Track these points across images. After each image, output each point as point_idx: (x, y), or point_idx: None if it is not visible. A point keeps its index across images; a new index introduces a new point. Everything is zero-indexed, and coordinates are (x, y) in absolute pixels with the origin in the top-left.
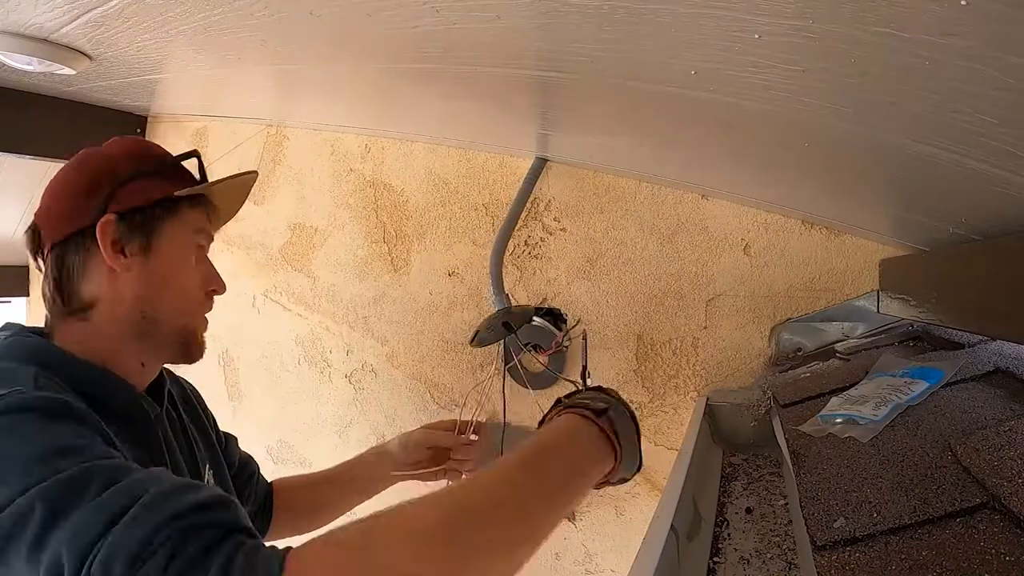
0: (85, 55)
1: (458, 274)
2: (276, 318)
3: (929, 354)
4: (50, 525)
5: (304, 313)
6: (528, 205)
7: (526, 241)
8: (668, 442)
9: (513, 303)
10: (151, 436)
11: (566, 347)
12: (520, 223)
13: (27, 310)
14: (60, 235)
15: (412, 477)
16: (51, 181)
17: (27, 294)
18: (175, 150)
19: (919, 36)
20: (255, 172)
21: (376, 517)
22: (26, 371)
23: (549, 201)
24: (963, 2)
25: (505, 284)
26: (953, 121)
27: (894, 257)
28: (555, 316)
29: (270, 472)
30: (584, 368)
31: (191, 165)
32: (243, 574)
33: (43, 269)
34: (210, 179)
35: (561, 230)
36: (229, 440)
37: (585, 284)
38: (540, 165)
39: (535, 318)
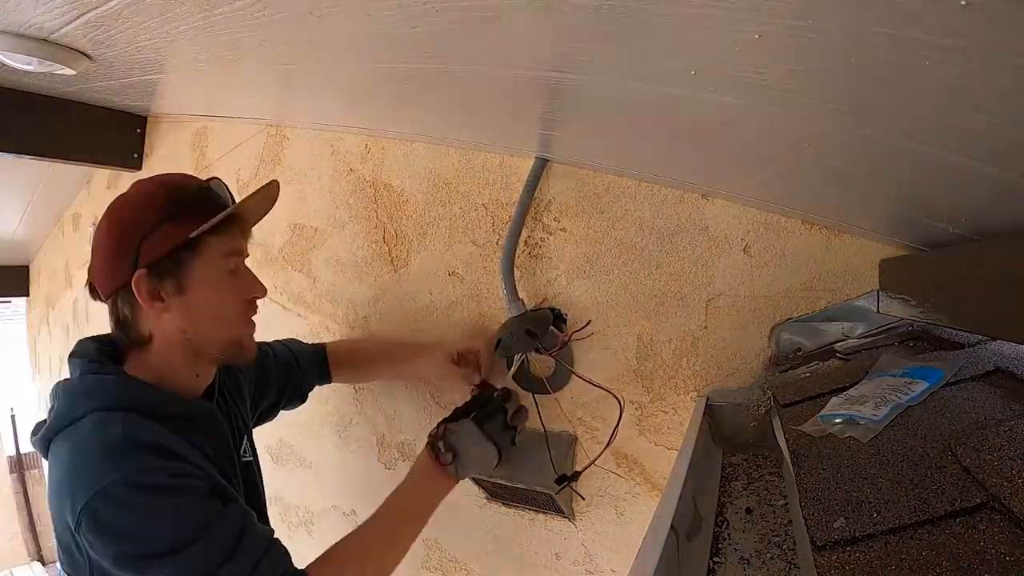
0: (85, 55)
1: (458, 274)
2: (276, 318)
3: (929, 354)
4: None
5: (304, 313)
6: (529, 206)
7: (526, 241)
8: (668, 442)
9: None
10: (211, 425)
11: (568, 344)
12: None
13: (27, 310)
14: (109, 291)
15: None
16: (93, 241)
17: (27, 294)
18: (175, 150)
19: (919, 36)
20: (275, 181)
21: (339, 553)
22: (113, 420)
23: (549, 201)
24: (963, 2)
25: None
26: (953, 121)
27: (894, 257)
28: (557, 316)
29: (269, 470)
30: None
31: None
32: None
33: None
34: (237, 198)
35: (561, 230)
36: (267, 383)
37: (585, 284)
38: (541, 165)
39: (551, 327)
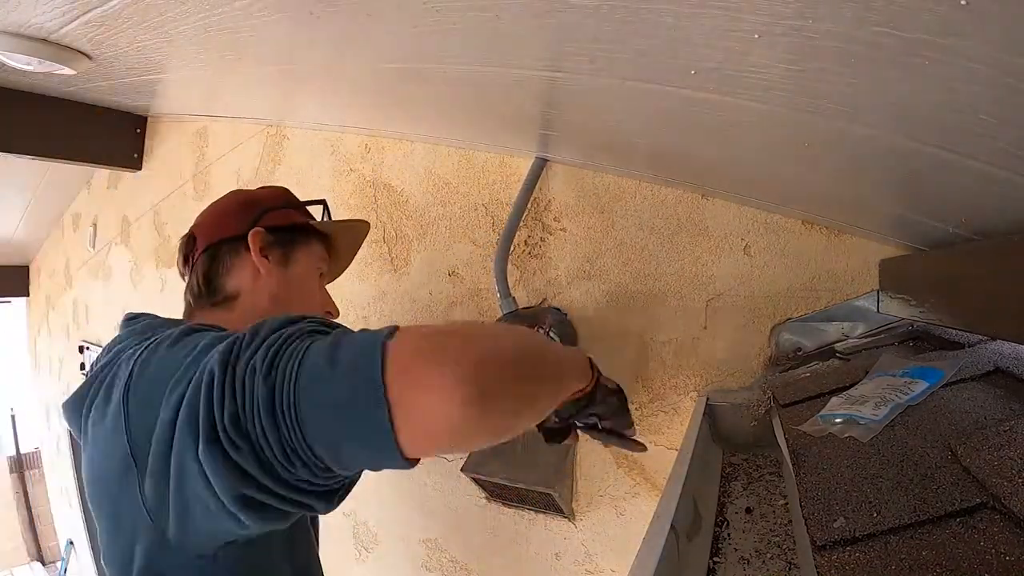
0: (85, 55)
1: (458, 274)
2: None
3: (929, 354)
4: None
5: None
6: (528, 205)
7: (526, 241)
8: (668, 442)
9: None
10: None
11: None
12: (520, 223)
13: (27, 310)
14: (214, 239)
15: None
16: (208, 207)
17: (27, 294)
18: (175, 150)
19: (919, 36)
20: (367, 223)
21: (461, 329)
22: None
23: (549, 201)
24: (963, 2)
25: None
26: (953, 121)
27: (894, 257)
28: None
29: None
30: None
31: (317, 211)
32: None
33: (190, 269)
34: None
35: (561, 230)
36: None
37: (585, 284)
38: (540, 165)
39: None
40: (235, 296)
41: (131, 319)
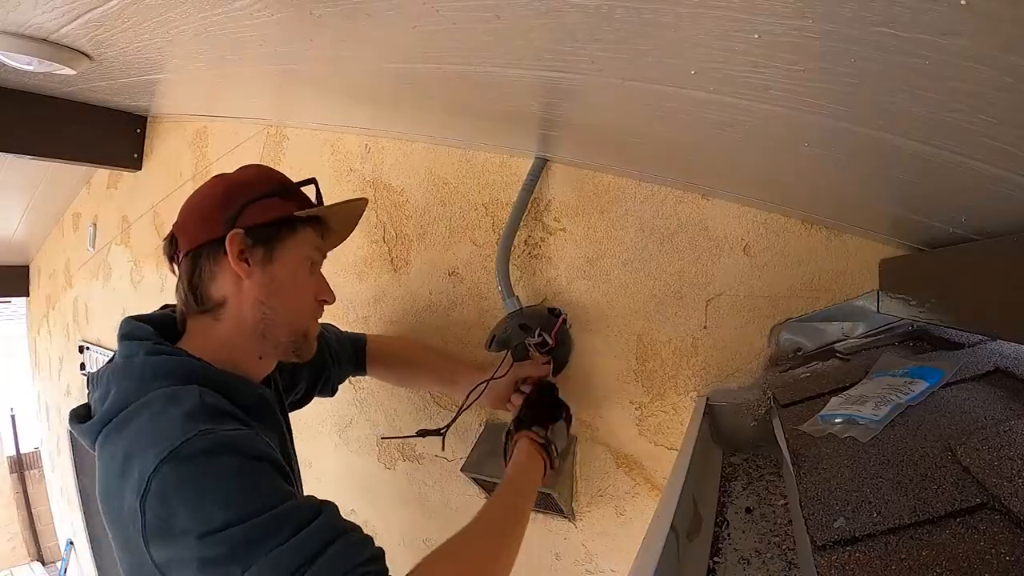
0: (85, 55)
1: (458, 274)
2: None
3: (929, 354)
4: (252, 557)
5: None
6: (528, 205)
7: (526, 241)
8: (668, 442)
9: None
10: (271, 416)
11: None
12: (520, 223)
13: (27, 310)
14: (195, 244)
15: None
16: (189, 198)
17: (27, 294)
18: (175, 150)
19: (919, 36)
20: (365, 199)
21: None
22: (189, 391)
23: (549, 201)
24: (963, 2)
25: None
26: (953, 121)
27: (894, 257)
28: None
29: None
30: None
31: (309, 191)
32: None
33: (177, 273)
34: (326, 203)
35: (561, 230)
36: (298, 372)
37: (585, 284)
38: (540, 165)
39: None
40: (222, 303)
41: (124, 338)
